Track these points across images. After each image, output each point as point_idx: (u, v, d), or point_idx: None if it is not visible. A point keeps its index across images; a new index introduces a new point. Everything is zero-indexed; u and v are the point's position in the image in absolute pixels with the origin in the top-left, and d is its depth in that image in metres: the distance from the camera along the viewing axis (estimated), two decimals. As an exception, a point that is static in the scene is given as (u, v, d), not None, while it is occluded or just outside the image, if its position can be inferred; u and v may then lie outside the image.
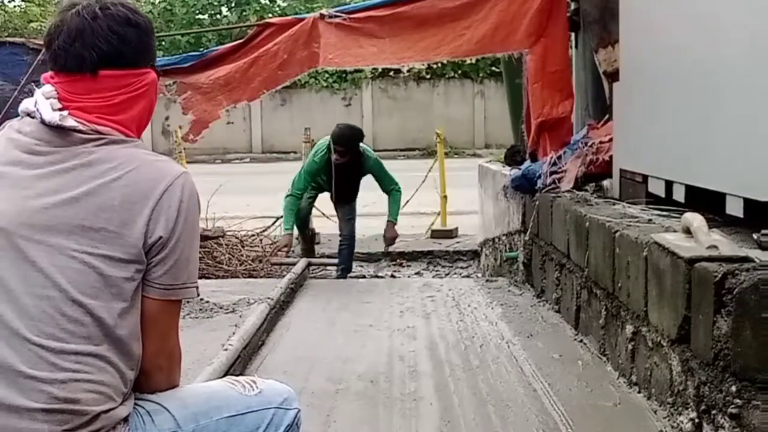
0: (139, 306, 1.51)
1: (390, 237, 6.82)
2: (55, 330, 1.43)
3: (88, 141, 1.50)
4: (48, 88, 1.54)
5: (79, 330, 1.44)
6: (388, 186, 6.73)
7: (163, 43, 21.65)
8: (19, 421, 1.40)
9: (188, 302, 4.48)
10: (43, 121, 1.50)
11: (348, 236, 6.67)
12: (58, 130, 1.50)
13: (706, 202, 2.97)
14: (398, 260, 7.65)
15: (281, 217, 6.55)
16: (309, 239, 7.20)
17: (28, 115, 1.54)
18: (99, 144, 1.51)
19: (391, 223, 6.77)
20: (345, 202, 6.69)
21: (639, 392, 2.91)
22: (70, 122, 1.50)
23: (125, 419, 1.50)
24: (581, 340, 3.71)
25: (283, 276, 5.58)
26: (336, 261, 6.80)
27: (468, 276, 7.05)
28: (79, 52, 1.50)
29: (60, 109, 1.51)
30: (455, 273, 7.36)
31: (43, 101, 1.51)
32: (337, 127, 6.38)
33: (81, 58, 1.51)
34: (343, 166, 6.30)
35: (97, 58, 1.51)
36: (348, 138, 6.28)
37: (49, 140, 1.50)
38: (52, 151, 1.50)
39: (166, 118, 20.99)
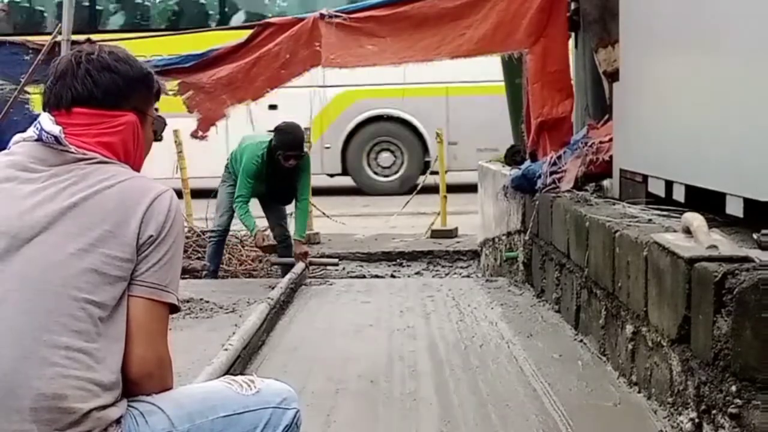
0: (126, 306, 1.54)
1: (301, 253, 5.89)
2: (49, 322, 1.46)
3: (80, 160, 1.60)
4: (48, 114, 1.66)
5: (72, 323, 1.47)
6: (305, 193, 5.99)
7: (164, 43, 21.62)
8: (9, 424, 1.42)
9: (184, 307, 4.49)
10: (40, 137, 1.59)
11: (283, 238, 6.24)
12: (53, 150, 1.59)
13: (706, 202, 2.97)
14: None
15: None
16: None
17: (24, 140, 1.64)
18: (91, 163, 1.60)
19: (299, 240, 5.94)
20: (280, 203, 6.20)
21: (639, 392, 2.91)
22: (65, 141, 1.59)
23: (117, 421, 1.50)
24: (581, 340, 3.71)
25: (283, 276, 5.57)
26: (336, 261, 6.79)
27: (468, 276, 7.04)
28: (59, 91, 1.65)
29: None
30: (455, 273, 7.35)
31: (45, 118, 1.62)
32: (283, 133, 5.70)
33: (59, 97, 1.65)
34: (285, 170, 5.74)
35: (71, 97, 1.64)
36: (302, 140, 5.74)
37: (43, 158, 1.59)
38: (47, 168, 1.59)
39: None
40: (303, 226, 6.02)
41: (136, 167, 1.71)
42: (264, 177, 5.79)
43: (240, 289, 5.36)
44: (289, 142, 5.65)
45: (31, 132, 1.62)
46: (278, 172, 5.74)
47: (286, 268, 6.03)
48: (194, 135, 6.20)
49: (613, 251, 3.13)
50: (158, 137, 1.83)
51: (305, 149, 5.85)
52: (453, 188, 8.73)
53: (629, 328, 2.99)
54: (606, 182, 4.32)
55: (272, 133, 5.78)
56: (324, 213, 8.36)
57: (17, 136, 1.66)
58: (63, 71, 1.66)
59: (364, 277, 7.00)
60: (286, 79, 5.85)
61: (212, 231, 6.30)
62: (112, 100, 1.66)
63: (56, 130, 1.58)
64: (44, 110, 1.67)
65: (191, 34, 8.88)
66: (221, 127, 6.21)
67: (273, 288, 4.89)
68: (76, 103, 1.64)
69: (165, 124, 1.84)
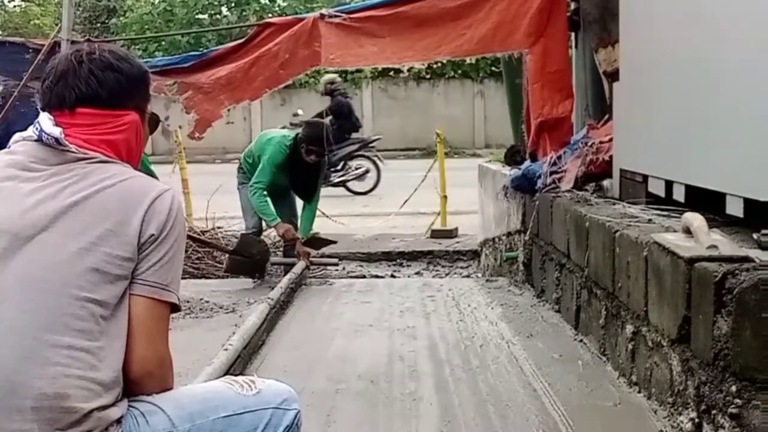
0: (127, 305, 1.54)
1: (302, 252, 5.96)
2: (50, 321, 1.46)
3: (81, 159, 1.60)
4: (48, 114, 1.64)
5: (73, 322, 1.47)
6: (317, 195, 6.10)
7: (163, 43, 21.63)
8: (10, 423, 1.41)
9: (184, 307, 4.49)
10: (40, 138, 1.59)
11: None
12: (53, 150, 1.59)
13: (706, 202, 2.97)
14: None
15: None
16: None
17: (23, 139, 1.63)
18: (91, 162, 1.60)
19: (301, 239, 6.01)
20: (299, 196, 6.22)
21: (639, 392, 2.91)
22: (66, 141, 1.59)
23: (118, 421, 1.50)
24: (581, 340, 3.71)
25: (283, 276, 5.57)
26: (336, 261, 6.79)
27: (468, 276, 7.04)
28: (61, 91, 1.63)
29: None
30: (455, 273, 7.36)
31: (45, 119, 1.61)
32: (310, 127, 5.86)
33: (62, 97, 1.63)
34: (306, 167, 5.85)
35: (75, 97, 1.63)
36: (326, 137, 5.81)
37: (44, 158, 1.59)
38: (48, 167, 1.58)
39: (166, 118, 20.86)
40: (308, 226, 6.08)
41: (134, 165, 1.71)
42: (287, 168, 5.88)
43: (240, 289, 5.37)
44: (312, 137, 5.78)
45: (31, 132, 1.61)
46: (300, 166, 5.84)
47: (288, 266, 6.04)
48: (191, 136, 6.21)
49: (613, 251, 3.13)
50: (151, 134, 1.84)
51: (327, 149, 5.94)
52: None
53: (629, 328, 2.99)
54: (606, 182, 4.32)
55: (285, 128, 5.92)
56: (324, 213, 8.36)
57: (17, 135, 1.66)
58: (64, 71, 1.64)
59: (364, 277, 7.00)
60: (285, 79, 5.87)
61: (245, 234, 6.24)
62: (117, 100, 1.65)
63: (56, 131, 1.58)
64: (44, 110, 1.65)
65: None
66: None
67: (273, 288, 4.89)
68: (80, 103, 1.63)
69: (159, 121, 1.85)
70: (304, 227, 6.06)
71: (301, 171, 5.90)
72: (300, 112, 13.61)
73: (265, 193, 5.79)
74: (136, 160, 1.72)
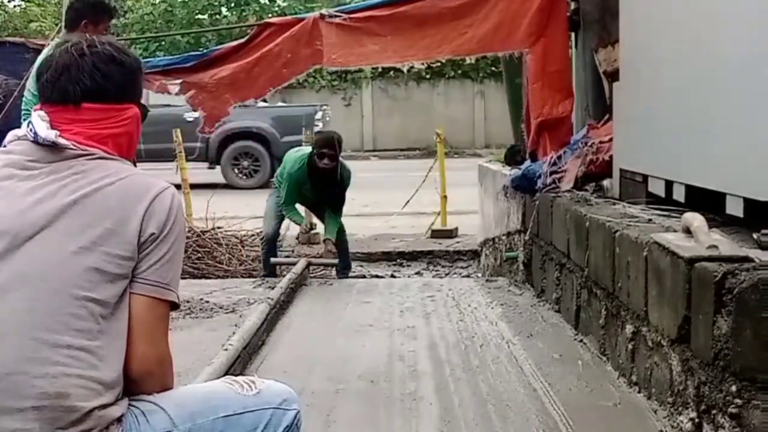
0: (127, 304, 1.54)
1: (329, 251, 6.33)
2: (50, 321, 1.46)
3: (79, 156, 1.58)
4: (41, 113, 1.61)
5: (73, 322, 1.47)
6: (340, 207, 6.33)
7: (163, 43, 21.64)
8: (11, 422, 1.42)
9: (184, 307, 4.50)
10: (35, 140, 1.57)
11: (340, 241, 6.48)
12: (50, 148, 1.57)
13: (706, 202, 2.97)
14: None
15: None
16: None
17: (18, 138, 1.62)
18: (90, 159, 1.58)
19: (330, 240, 6.30)
20: (327, 208, 6.40)
21: (639, 392, 2.91)
22: (63, 141, 1.57)
23: (119, 419, 1.50)
24: (581, 340, 3.71)
25: (283, 276, 5.58)
26: (335, 261, 6.78)
27: (468, 276, 7.04)
28: (64, 86, 1.60)
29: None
30: (455, 273, 7.36)
31: (39, 121, 1.58)
32: (319, 133, 6.20)
33: (65, 91, 1.60)
34: (326, 176, 5.99)
35: (80, 92, 1.60)
36: (336, 139, 6.03)
37: (41, 157, 1.57)
38: (45, 165, 1.57)
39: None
40: (332, 229, 6.31)
41: (131, 159, 1.69)
42: (308, 183, 6.10)
43: (240, 289, 5.36)
44: (321, 140, 6.02)
45: (25, 131, 1.59)
46: (320, 177, 6.01)
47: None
48: (201, 131, 6.31)
49: (613, 251, 3.13)
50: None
51: (339, 151, 6.07)
52: None
53: (629, 328, 2.99)
54: (606, 182, 4.32)
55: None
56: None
57: (11, 134, 1.64)
58: (66, 64, 1.61)
59: (364, 277, 7.00)
60: (289, 77, 5.91)
61: (264, 238, 6.49)
62: (121, 94, 1.64)
63: (52, 135, 1.55)
64: (44, 104, 1.61)
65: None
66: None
67: (273, 288, 4.89)
68: (85, 98, 1.60)
69: (148, 111, 1.82)
70: (330, 230, 6.28)
71: (322, 184, 6.07)
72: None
73: (292, 205, 6.23)
74: (133, 154, 1.71)
